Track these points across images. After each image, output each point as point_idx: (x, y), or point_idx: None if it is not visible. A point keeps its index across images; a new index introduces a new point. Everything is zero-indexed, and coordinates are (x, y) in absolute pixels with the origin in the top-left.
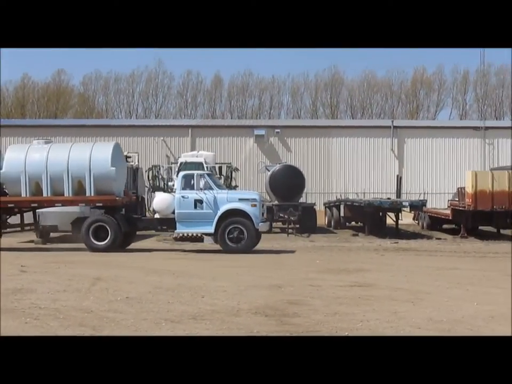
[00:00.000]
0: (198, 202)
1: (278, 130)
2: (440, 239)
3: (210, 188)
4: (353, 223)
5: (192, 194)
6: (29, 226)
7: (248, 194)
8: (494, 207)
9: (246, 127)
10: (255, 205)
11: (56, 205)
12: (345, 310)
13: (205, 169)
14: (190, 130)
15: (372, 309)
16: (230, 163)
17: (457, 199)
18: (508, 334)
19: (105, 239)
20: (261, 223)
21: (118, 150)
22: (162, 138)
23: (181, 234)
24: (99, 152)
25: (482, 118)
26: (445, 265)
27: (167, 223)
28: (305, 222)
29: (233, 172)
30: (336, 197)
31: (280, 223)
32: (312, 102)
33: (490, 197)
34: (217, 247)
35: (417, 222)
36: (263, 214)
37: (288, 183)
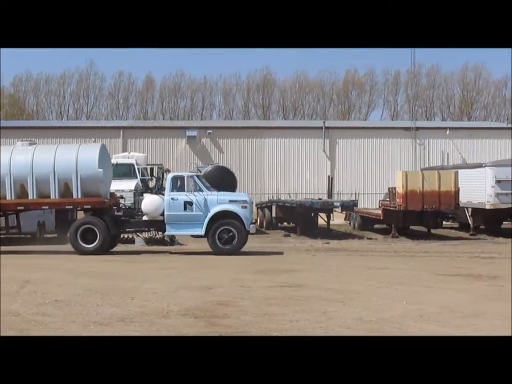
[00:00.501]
0: (187, 204)
1: (210, 131)
2: (371, 239)
3: (200, 190)
4: (285, 223)
5: (182, 196)
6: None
7: (238, 196)
8: (425, 207)
9: (178, 128)
10: (245, 207)
11: (43, 207)
12: (275, 310)
13: (136, 170)
14: (121, 131)
15: (301, 309)
16: (162, 164)
17: (388, 199)
18: (435, 333)
19: (94, 242)
20: (251, 225)
21: (104, 151)
22: (93, 139)
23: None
24: (86, 154)
25: (413, 118)
26: (375, 265)
27: (156, 225)
28: None
29: (164, 173)
30: (268, 198)
31: None
32: (244, 103)
33: (421, 197)
34: (149, 248)
35: (348, 222)
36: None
37: (219, 184)
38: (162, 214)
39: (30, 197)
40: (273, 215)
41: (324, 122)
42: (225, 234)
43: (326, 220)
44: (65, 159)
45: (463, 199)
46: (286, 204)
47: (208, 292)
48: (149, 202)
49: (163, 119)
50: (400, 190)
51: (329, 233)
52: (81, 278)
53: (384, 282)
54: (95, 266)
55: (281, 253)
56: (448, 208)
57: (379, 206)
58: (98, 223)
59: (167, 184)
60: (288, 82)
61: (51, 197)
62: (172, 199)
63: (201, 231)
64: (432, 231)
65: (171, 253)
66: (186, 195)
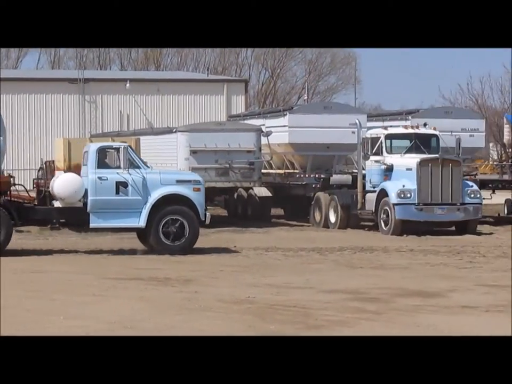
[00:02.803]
0: (120, 186)
1: None
2: (21, 231)
3: (137, 166)
4: None
5: (113, 175)
6: None
7: (188, 175)
8: None
9: None
10: (198, 189)
11: None
12: None
13: None
14: None
15: None
16: None
17: (42, 178)
18: None
19: None
20: (207, 213)
21: None
22: None
23: None
24: None
25: (81, 67)
26: (27, 267)
27: (74, 214)
28: None
29: None
30: None
31: None
32: None
33: None
34: None
35: None
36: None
37: None
38: (83, 199)
39: None
40: None
41: None
42: (173, 227)
43: None
44: None
45: None
46: None
47: None
48: (64, 182)
49: None
50: (60, 164)
51: None
52: None
53: (36, 291)
54: None
55: None
56: None
57: (34, 187)
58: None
59: (90, 158)
60: None
61: None
62: (100, 178)
63: (140, 222)
64: None
65: None
66: (118, 173)
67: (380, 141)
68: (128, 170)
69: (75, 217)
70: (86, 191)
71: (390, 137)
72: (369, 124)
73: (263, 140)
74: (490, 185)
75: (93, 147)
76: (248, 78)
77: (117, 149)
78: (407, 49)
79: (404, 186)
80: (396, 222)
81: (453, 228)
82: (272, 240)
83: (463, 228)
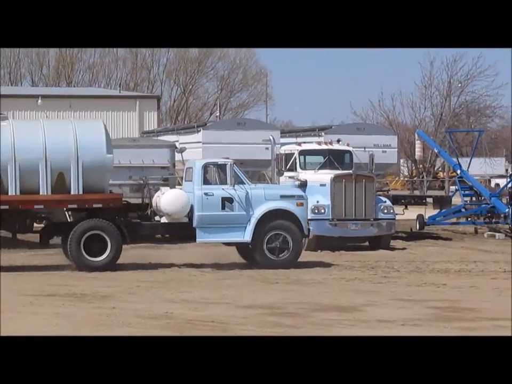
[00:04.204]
0: (226, 201)
1: None
2: None
3: (241, 182)
4: None
5: (219, 191)
6: None
7: (291, 190)
8: None
9: None
10: (301, 204)
11: (36, 207)
12: None
13: None
14: None
15: None
16: None
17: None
18: None
19: (102, 254)
20: (310, 228)
21: (107, 130)
22: None
23: None
24: (88, 134)
25: None
26: None
27: (180, 229)
28: None
29: None
30: None
31: None
32: None
33: None
34: None
35: None
36: None
37: None
38: (188, 215)
39: (11, 192)
40: None
41: None
42: (277, 242)
43: None
44: (60, 141)
45: None
46: None
47: None
48: (171, 198)
49: None
50: None
51: None
52: None
53: None
54: None
55: None
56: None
57: None
58: (110, 229)
59: (196, 175)
60: None
61: (40, 192)
62: (206, 194)
63: (246, 237)
64: None
65: None
66: (223, 189)
67: (293, 157)
68: (233, 186)
69: (181, 232)
70: (192, 206)
71: (303, 153)
72: (283, 140)
73: (177, 156)
74: (403, 200)
75: (199, 163)
76: (160, 94)
77: (223, 165)
78: (317, 65)
79: (317, 202)
80: (310, 237)
81: (367, 243)
82: (187, 256)
83: (377, 243)
